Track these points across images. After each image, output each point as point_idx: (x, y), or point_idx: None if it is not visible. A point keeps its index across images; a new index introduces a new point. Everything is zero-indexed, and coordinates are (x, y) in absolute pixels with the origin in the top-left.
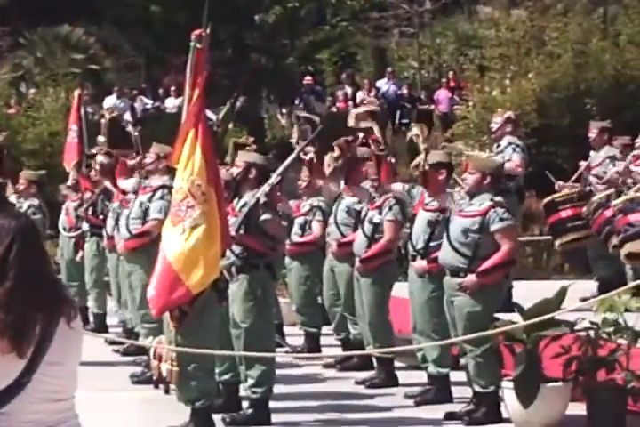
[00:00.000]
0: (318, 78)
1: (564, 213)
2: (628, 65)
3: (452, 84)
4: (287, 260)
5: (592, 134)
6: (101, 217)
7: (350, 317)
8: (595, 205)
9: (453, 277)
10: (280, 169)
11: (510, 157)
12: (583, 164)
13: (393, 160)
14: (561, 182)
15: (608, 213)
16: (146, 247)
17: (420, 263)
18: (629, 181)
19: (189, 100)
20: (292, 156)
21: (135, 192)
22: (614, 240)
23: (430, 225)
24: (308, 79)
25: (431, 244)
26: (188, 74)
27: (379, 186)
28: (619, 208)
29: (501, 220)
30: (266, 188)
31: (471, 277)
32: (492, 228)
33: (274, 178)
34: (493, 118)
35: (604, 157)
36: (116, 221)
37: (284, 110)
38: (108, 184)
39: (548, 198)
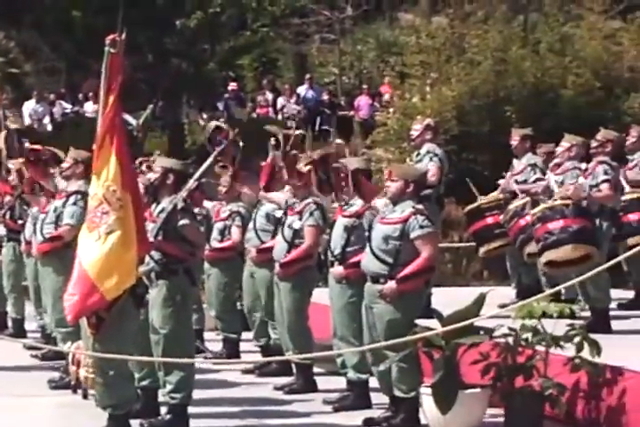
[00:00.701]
0: (239, 84)
1: (490, 220)
2: (548, 73)
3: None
4: (206, 265)
5: (514, 142)
6: (19, 222)
7: (271, 322)
8: (511, 213)
9: (374, 283)
10: (197, 174)
11: (426, 166)
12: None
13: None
14: (483, 198)
15: (523, 221)
16: (58, 252)
17: (338, 269)
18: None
19: (105, 106)
20: (208, 161)
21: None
22: (529, 248)
23: (347, 231)
24: (233, 85)
25: (348, 249)
26: (103, 79)
27: (297, 191)
28: (537, 217)
29: (421, 227)
30: (183, 193)
31: (391, 284)
32: (412, 235)
33: (191, 183)
34: (413, 125)
35: (525, 165)
36: (34, 226)
37: (204, 115)
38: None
39: (474, 205)
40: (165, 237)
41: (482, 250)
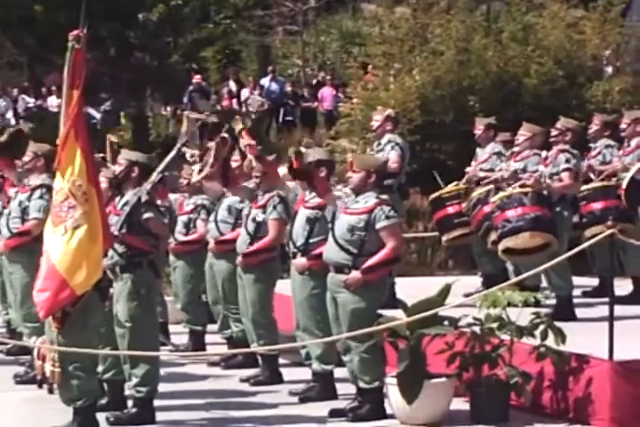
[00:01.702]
0: (203, 76)
1: (450, 209)
2: (511, 62)
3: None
4: (172, 258)
5: (478, 131)
6: None
7: (231, 314)
8: (474, 201)
9: (338, 273)
10: (160, 167)
11: (388, 154)
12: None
13: (272, 157)
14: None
15: (487, 208)
16: (27, 247)
17: (300, 260)
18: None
19: (68, 101)
20: (172, 153)
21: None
22: (493, 236)
23: (310, 222)
24: (197, 78)
25: (311, 241)
26: (66, 74)
27: (261, 184)
28: (497, 205)
29: (387, 218)
30: (147, 186)
31: (356, 274)
32: (378, 225)
33: (154, 176)
34: (373, 116)
35: (490, 154)
36: None
37: (168, 108)
38: None
39: (436, 194)
40: (129, 230)
41: (443, 239)
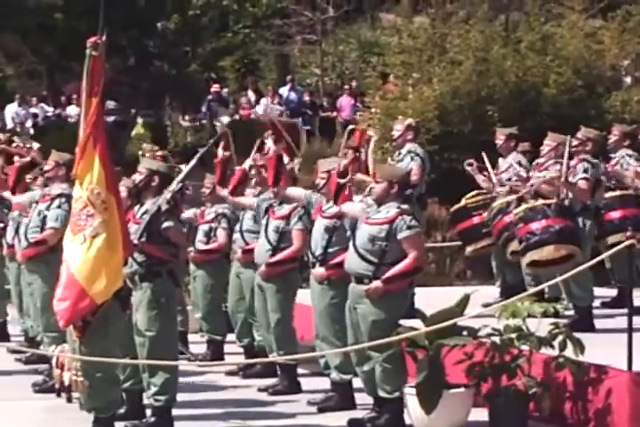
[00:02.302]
0: (221, 85)
1: (476, 220)
2: (530, 72)
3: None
4: (192, 267)
5: (499, 141)
6: (0, 225)
7: (254, 323)
8: (495, 210)
9: (359, 284)
10: (181, 176)
11: (408, 165)
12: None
13: (292, 166)
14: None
15: (507, 218)
16: (44, 256)
17: (319, 270)
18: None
19: (87, 109)
20: (192, 162)
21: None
22: (512, 246)
23: (328, 232)
24: (215, 87)
25: (329, 250)
26: (85, 82)
27: (278, 193)
28: (520, 216)
29: (409, 228)
30: (167, 195)
31: (377, 284)
32: (400, 235)
33: (175, 184)
34: (394, 126)
35: (510, 164)
36: (17, 230)
37: (186, 117)
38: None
39: (460, 204)
40: (149, 239)
41: (468, 249)
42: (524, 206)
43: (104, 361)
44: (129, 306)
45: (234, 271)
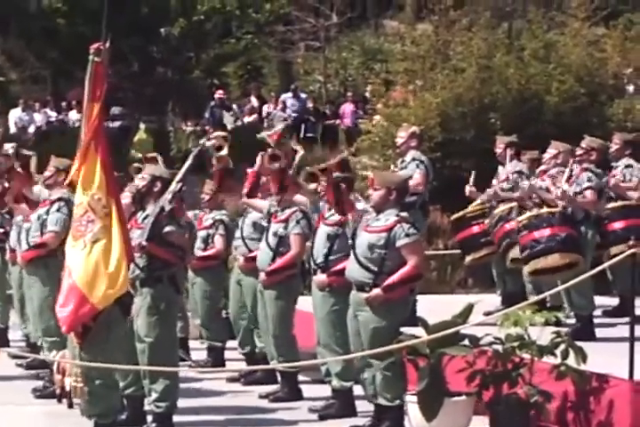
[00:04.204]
0: (224, 92)
1: (476, 228)
2: (532, 79)
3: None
4: (190, 274)
5: (498, 149)
6: (2, 230)
7: (256, 330)
8: (496, 218)
9: (359, 291)
10: (179, 175)
11: (412, 172)
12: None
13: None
14: (471, 188)
15: (508, 226)
16: (44, 260)
17: (320, 277)
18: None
19: (89, 114)
20: (189, 161)
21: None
22: (513, 253)
23: (330, 239)
24: (219, 93)
25: (331, 257)
26: (87, 87)
27: (281, 199)
28: (523, 224)
29: (407, 235)
30: (168, 195)
31: (377, 292)
32: (398, 243)
33: (174, 185)
34: (398, 133)
35: (510, 172)
36: (19, 234)
37: (189, 123)
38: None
39: (459, 214)
40: (155, 241)
41: (468, 259)
42: (528, 214)
43: (104, 367)
44: (130, 312)
45: (234, 279)
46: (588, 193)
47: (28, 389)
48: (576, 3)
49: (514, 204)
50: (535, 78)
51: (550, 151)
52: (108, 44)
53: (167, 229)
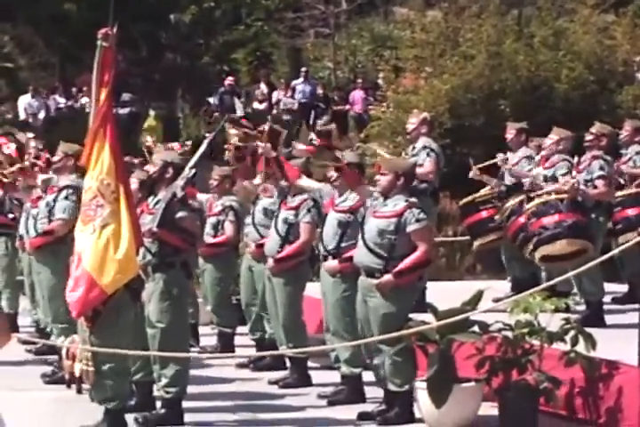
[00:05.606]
0: (235, 78)
1: (484, 213)
2: (542, 66)
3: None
4: (200, 261)
5: (509, 135)
6: (10, 216)
7: (267, 316)
8: (508, 211)
9: (369, 277)
10: (192, 162)
11: (423, 161)
12: (500, 156)
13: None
14: (477, 170)
15: (522, 219)
16: (52, 247)
17: (332, 263)
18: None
19: (97, 100)
20: (202, 147)
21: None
22: (530, 246)
23: (341, 226)
24: (229, 79)
25: (343, 244)
26: (95, 73)
27: (291, 186)
28: (532, 211)
29: (417, 221)
30: (180, 182)
31: (388, 278)
32: (409, 229)
33: (187, 171)
34: (409, 119)
35: (520, 158)
36: (27, 220)
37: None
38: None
39: (468, 198)
40: (166, 227)
41: (476, 243)
42: (536, 201)
43: (113, 352)
44: (139, 297)
45: (245, 265)
46: (600, 183)
47: (37, 374)
48: None
49: (523, 196)
50: (545, 65)
51: (552, 137)
52: (115, 29)
53: (179, 214)
